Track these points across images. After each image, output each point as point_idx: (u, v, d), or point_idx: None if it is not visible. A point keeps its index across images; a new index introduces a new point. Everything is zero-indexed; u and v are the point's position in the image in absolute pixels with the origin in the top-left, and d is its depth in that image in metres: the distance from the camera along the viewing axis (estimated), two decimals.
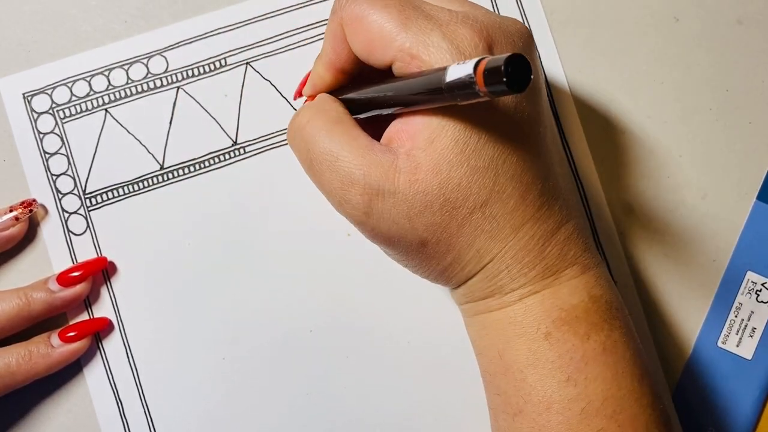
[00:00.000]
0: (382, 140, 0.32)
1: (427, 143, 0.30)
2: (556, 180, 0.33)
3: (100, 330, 0.40)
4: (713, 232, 0.42)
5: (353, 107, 0.34)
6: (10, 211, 0.40)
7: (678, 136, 0.42)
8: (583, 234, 0.33)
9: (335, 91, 0.35)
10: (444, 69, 0.28)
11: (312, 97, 0.36)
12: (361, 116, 0.34)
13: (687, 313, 0.41)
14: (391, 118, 0.33)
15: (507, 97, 0.30)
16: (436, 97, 0.28)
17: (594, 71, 0.42)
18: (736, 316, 0.41)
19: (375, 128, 0.33)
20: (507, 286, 0.32)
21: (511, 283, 0.32)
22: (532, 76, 0.25)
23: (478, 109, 0.30)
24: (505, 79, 0.25)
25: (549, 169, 0.32)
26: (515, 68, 0.25)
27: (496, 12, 0.42)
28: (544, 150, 0.32)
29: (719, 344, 0.41)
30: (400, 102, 0.31)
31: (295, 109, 0.42)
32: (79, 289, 0.39)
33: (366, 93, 0.33)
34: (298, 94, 0.38)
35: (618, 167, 0.42)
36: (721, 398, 0.40)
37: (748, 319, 0.41)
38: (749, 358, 0.40)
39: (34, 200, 0.40)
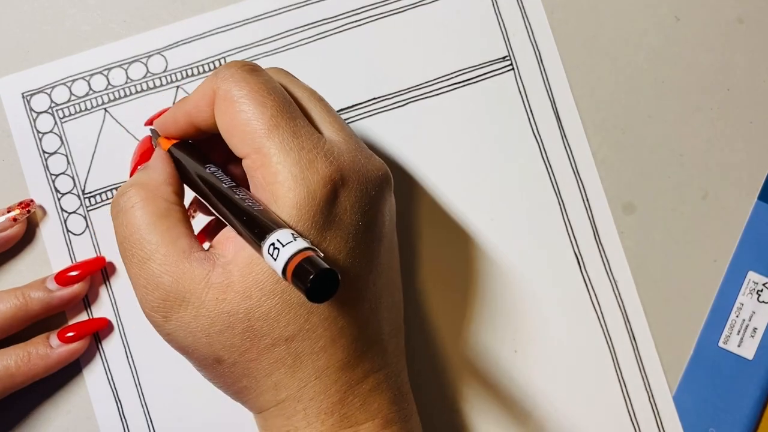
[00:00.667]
0: (213, 241, 0.31)
1: (245, 264, 0.29)
2: (378, 326, 0.32)
3: (99, 330, 0.40)
4: (714, 232, 0.42)
5: (188, 180, 0.33)
6: (8, 211, 0.40)
7: (679, 136, 0.42)
8: (395, 383, 0.32)
9: (181, 146, 0.34)
10: (272, 228, 0.27)
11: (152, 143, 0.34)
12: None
13: (688, 313, 0.41)
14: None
15: (340, 238, 0.29)
16: (252, 239, 0.28)
17: (594, 71, 0.42)
18: (737, 317, 0.41)
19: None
20: (303, 430, 0.30)
21: (307, 427, 0.30)
22: (334, 294, 0.25)
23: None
24: (306, 291, 0.25)
25: (371, 315, 0.31)
26: (323, 281, 0.25)
27: (497, 12, 0.42)
28: (369, 296, 0.31)
29: (720, 344, 0.40)
30: (228, 212, 0.30)
31: None
32: (77, 288, 0.39)
33: (219, 176, 0.31)
34: (149, 122, 0.37)
35: (618, 167, 0.42)
36: (722, 399, 0.40)
37: (750, 320, 0.40)
38: (750, 358, 0.40)
39: (32, 201, 0.40)
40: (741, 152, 0.42)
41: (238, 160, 0.31)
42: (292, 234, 0.27)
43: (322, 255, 0.27)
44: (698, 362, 0.40)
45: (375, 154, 0.33)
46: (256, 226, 0.28)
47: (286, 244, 0.26)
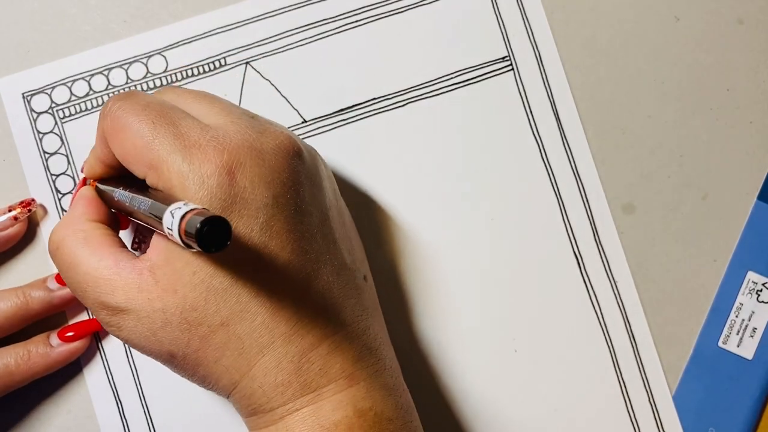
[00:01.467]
0: (148, 250, 0.32)
1: (164, 262, 0.30)
2: (324, 290, 0.32)
3: (100, 330, 0.40)
4: (714, 232, 0.42)
5: (112, 205, 0.35)
6: (9, 210, 0.40)
7: (678, 136, 0.42)
8: (358, 341, 0.33)
9: (108, 180, 0.35)
10: (168, 203, 0.28)
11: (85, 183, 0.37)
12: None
13: (687, 313, 0.41)
14: None
15: (248, 216, 0.30)
16: (161, 229, 0.29)
17: (594, 71, 0.42)
18: (736, 317, 0.41)
19: None
20: (266, 405, 0.31)
21: (269, 403, 0.31)
22: (229, 242, 0.26)
23: None
24: (198, 242, 0.26)
25: (312, 280, 0.32)
26: (213, 229, 0.26)
27: (497, 12, 0.42)
28: (305, 262, 0.31)
29: (720, 344, 0.40)
30: (143, 220, 0.31)
31: (296, 109, 0.42)
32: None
33: (120, 196, 0.33)
34: (82, 169, 0.38)
35: (618, 167, 0.42)
36: (722, 398, 0.40)
37: (749, 320, 0.41)
38: (750, 358, 0.40)
39: (33, 200, 0.40)
40: (741, 152, 0.42)
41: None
42: (182, 204, 0.27)
43: (210, 211, 0.27)
44: (698, 362, 0.40)
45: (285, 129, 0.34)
46: (156, 212, 0.29)
47: (173, 215, 0.27)
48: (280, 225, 0.31)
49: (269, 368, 0.31)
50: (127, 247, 0.33)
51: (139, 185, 0.33)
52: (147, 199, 0.31)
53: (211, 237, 0.26)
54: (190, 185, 0.30)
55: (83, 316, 0.40)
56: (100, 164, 0.35)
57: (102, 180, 0.36)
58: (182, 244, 0.27)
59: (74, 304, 0.40)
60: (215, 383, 0.32)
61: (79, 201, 0.35)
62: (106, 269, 0.31)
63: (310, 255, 0.32)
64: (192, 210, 0.27)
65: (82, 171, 0.38)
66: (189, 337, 0.31)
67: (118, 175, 0.35)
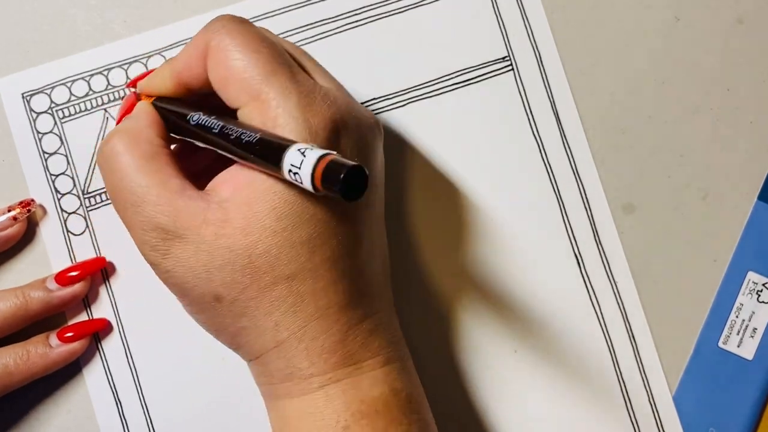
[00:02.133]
0: (207, 187, 0.31)
1: (244, 202, 0.29)
2: (374, 272, 0.33)
3: (99, 330, 0.40)
4: (714, 232, 0.42)
5: (179, 128, 0.32)
6: (9, 210, 0.40)
7: (679, 136, 0.42)
8: (391, 327, 0.33)
9: (168, 100, 0.33)
10: (287, 145, 0.27)
11: (137, 98, 0.34)
12: (188, 140, 0.32)
13: (688, 313, 0.41)
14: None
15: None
16: (269, 166, 0.27)
17: (594, 71, 0.42)
18: (737, 317, 0.41)
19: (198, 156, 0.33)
20: (306, 370, 0.31)
21: (310, 367, 0.31)
22: (366, 192, 0.25)
23: None
24: (340, 188, 0.25)
25: (368, 261, 0.32)
26: (354, 178, 0.25)
27: (497, 12, 0.42)
28: (367, 243, 0.32)
29: (720, 345, 0.40)
30: (230, 149, 0.30)
31: None
32: (77, 288, 0.39)
33: (203, 121, 0.31)
34: (133, 84, 0.36)
35: (618, 167, 0.42)
36: (722, 399, 0.40)
37: (749, 320, 0.40)
38: (750, 358, 0.40)
39: (33, 200, 0.40)
40: (741, 152, 0.42)
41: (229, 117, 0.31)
42: (306, 146, 0.26)
43: (348, 161, 0.26)
44: (698, 362, 0.40)
45: None
46: (268, 151, 0.27)
47: (305, 155, 0.26)
48: (366, 198, 0.31)
49: (319, 332, 0.30)
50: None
51: (208, 112, 0.31)
52: (255, 130, 0.29)
53: (352, 185, 0.25)
54: (300, 131, 0.29)
55: (83, 317, 0.40)
56: (175, 82, 0.33)
57: (160, 99, 0.33)
58: (310, 187, 0.26)
59: (73, 305, 0.40)
60: (254, 338, 0.31)
61: (142, 114, 0.33)
62: (172, 191, 0.30)
63: (373, 237, 0.32)
64: (328, 154, 0.26)
65: (129, 86, 0.36)
66: (248, 283, 0.30)
67: (185, 97, 0.33)
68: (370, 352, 0.32)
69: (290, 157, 0.26)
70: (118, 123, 0.36)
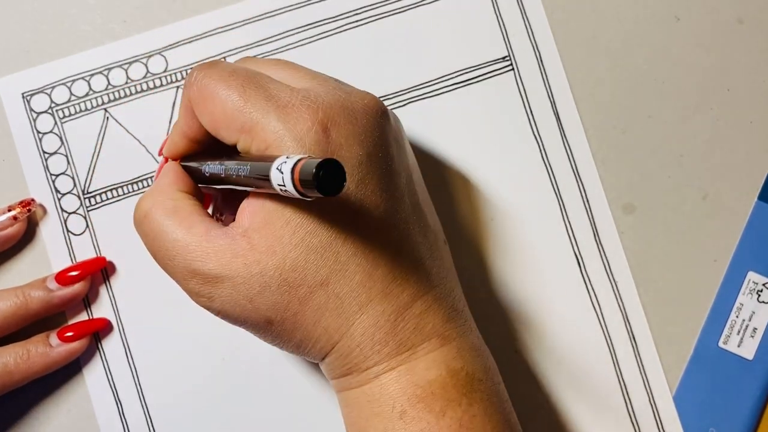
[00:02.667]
0: (236, 217, 0.32)
1: (262, 224, 0.30)
2: (415, 250, 0.32)
3: (99, 330, 0.40)
4: (714, 232, 0.42)
5: (200, 179, 0.34)
6: (9, 210, 0.40)
7: (679, 136, 0.42)
8: (447, 302, 0.33)
9: (190, 156, 0.35)
10: (271, 161, 0.28)
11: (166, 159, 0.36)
12: (215, 186, 0.34)
13: (688, 313, 0.41)
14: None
15: (347, 174, 0.30)
16: (266, 184, 0.28)
17: (594, 71, 0.42)
18: (737, 317, 0.41)
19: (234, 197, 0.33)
20: (362, 364, 0.32)
21: (365, 361, 0.31)
22: (345, 183, 0.26)
23: None
24: (317, 185, 0.26)
25: (404, 240, 0.32)
26: (328, 173, 0.26)
27: (497, 12, 0.42)
28: (396, 222, 0.32)
29: (720, 344, 0.40)
30: (238, 183, 0.31)
31: None
32: (77, 288, 0.39)
33: (211, 168, 0.33)
34: (160, 152, 0.38)
35: (618, 167, 0.42)
36: (722, 399, 0.40)
37: (749, 320, 0.40)
38: (750, 358, 0.40)
39: (33, 200, 0.40)
40: (741, 152, 0.42)
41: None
42: (286, 157, 0.27)
43: (317, 156, 0.27)
44: (698, 362, 0.40)
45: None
46: (260, 177, 0.29)
47: (282, 170, 0.27)
48: (374, 184, 0.31)
49: (367, 327, 0.31)
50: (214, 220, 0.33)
51: (226, 156, 0.32)
52: (246, 162, 0.30)
53: (328, 179, 0.26)
54: (288, 142, 0.30)
55: (83, 316, 0.40)
56: (184, 139, 0.34)
57: (185, 158, 0.35)
58: (297, 195, 0.27)
59: (73, 305, 0.40)
60: (312, 346, 0.32)
61: (166, 172, 0.35)
62: (198, 236, 0.31)
63: (401, 215, 0.32)
64: (300, 159, 0.27)
65: (160, 154, 0.38)
66: (288, 300, 0.31)
67: (201, 150, 0.35)
68: (423, 335, 0.32)
69: (275, 178, 0.27)
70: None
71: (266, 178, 0.28)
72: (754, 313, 0.41)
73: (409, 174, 0.34)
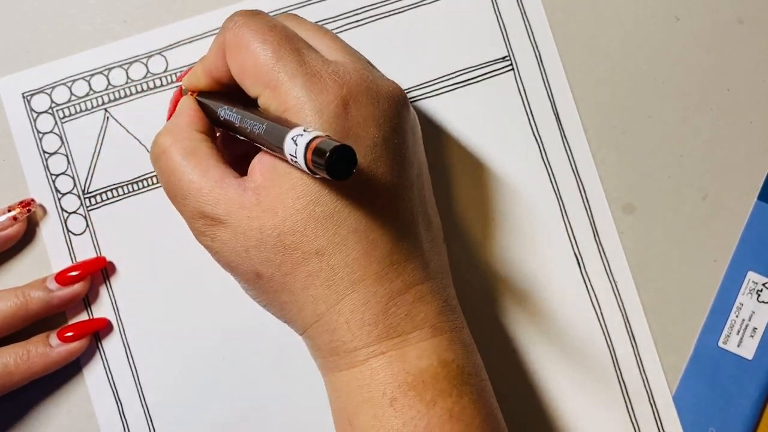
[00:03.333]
0: (249, 170, 0.33)
1: (270, 184, 0.31)
2: (416, 240, 0.33)
3: (99, 330, 0.40)
4: (714, 232, 0.42)
5: (215, 121, 0.35)
6: (9, 210, 0.40)
7: (679, 136, 0.42)
8: (441, 296, 0.33)
9: (207, 93, 0.36)
10: (288, 128, 0.29)
11: (181, 93, 0.37)
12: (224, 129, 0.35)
13: (688, 313, 0.41)
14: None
15: (357, 152, 0.30)
16: (278, 149, 0.29)
17: (594, 71, 0.42)
18: (737, 317, 0.41)
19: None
20: (350, 343, 0.31)
21: (353, 341, 0.31)
22: (355, 169, 0.27)
23: None
24: (326, 168, 0.26)
25: (406, 228, 0.32)
26: (341, 156, 0.27)
27: (497, 12, 0.42)
28: (402, 210, 0.32)
29: (720, 344, 0.40)
30: (250, 137, 0.32)
31: None
32: (77, 288, 0.39)
33: (227, 114, 0.34)
34: (180, 79, 0.38)
35: (618, 167, 0.42)
36: (722, 398, 0.40)
37: (749, 320, 0.40)
38: (750, 358, 0.40)
39: (33, 200, 0.40)
40: (741, 152, 0.42)
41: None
42: (303, 129, 0.28)
43: (333, 139, 0.28)
44: (698, 362, 0.40)
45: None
46: (273, 141, 0.30)
47: (297, 143, 0.28)
48: (386, 167, 0.31)
49: (357, 305, 0.31)
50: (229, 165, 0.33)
51: (242, 104, 0.33)
52: (263, 120, 0.31)
53: (339, 164, 0.27)
54: (307, 111, 0.30)
55: (83, 316, 0.40)
56: (207, 76, 0.35)
57: (202, 93, 0.36)
58: (307, 170, 0.27)
59: (73, 305, 0.40)
60: (297, 312, 0.32)
61: (184, 110, 0.35)
62: (212, 181, 0.32)
63: (408, 203, 0.32)
64: (317, 137, 0.27)
65: (177, 80, 0.38)
66: (281, 260, 0.31)
67: (221, 90, 0.35)
68: (416, 323, 0.32)
69: (288, 147, 0.28)
70: (168, 118, 0.38)
71: (279, 144, 0.29)
72: (753, 312, 0.41)
73: (422, 166, 0.34)
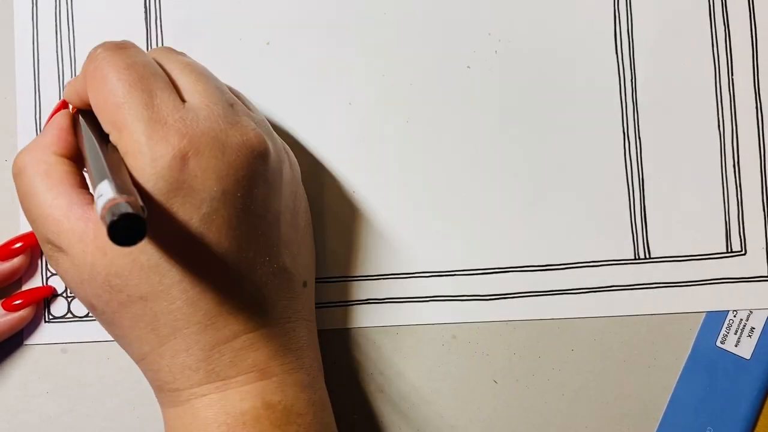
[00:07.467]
0: None
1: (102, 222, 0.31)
2: (255, 289, 0.33)
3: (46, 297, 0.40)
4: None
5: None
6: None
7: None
8: (277, 341, 0.33)
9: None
10: (102, 179, 0.28)
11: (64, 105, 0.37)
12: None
13: (686, 312, 0.41)
14: None
15: (190, 204, 0.30)
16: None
17: None
18: (734, 316, 0.41)
19: None
20: (171, 384, 0.32)
21: (174, 382, 0.32)
22: (140, 241, 0.26)
23: (152, 210, 0.30)
24: (108, 232, 0.26)
25: (242, 280, 0.32)
26: (125, 225, 0.26)
27: None
28: (237, 263, 0.32)
29: (718, 344, 0.40)
30: (88, 170, 0.32)
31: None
32: (16, 262, 0.40)
33: (85, 137, 0.33)
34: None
35: None
36: (720, 398, 0.40)
37: (747, 319, 0.40)
38: (748, 358, 0.40)
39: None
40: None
41: None
42: (111, 187, 0.28)
43: (140, 204, 0.27)
44: (696, 362, 0.40)
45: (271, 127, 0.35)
46: (93, 181, 0.29)
47: (99, 199, 0.28)
48: (222, 220, 0.31)
49: (178, 351, 0.32)
50: (88, 188, 0.33)
51: (102, 135, 0.33)
52: (100, 160, 0.31)
53: (124, 231, 0.26)
54: (142, 159, 0.30)
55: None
56: (78, 99, 0.35)
57: (84, 111, 0.35)
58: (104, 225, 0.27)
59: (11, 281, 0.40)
60: (126, 346, 0.33)
61: (50, 129, 0.35)
62: (58, 209, 0.32)
63: (248, 254, 0.32)
64: (113, 200, 0.27)
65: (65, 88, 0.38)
66: (109, 298, 0.32)
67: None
68: (240, 368, 0.32)
69: (97, 202, 0.28)
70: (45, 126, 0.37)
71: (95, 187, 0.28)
72: (751, 312, 0.41)
73: (276, 215, 0.34)
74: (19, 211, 0.40)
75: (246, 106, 0.35)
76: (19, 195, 0.34)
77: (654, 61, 0.41)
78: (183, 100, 0.32)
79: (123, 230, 0.26)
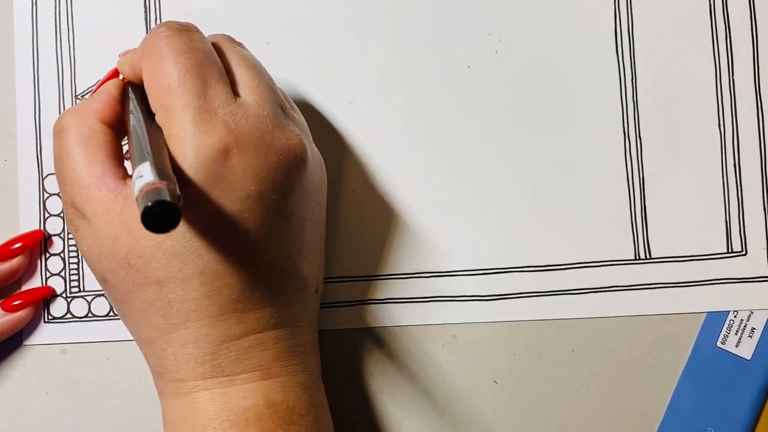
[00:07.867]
0: None
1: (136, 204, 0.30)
2: (271, 292, 0.32)
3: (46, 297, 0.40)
4: None
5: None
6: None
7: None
8: (286, 344, 0.33)
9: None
10: (144, 161, 0.28)
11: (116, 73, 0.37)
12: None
13: (686, 313, 0.41)
14: None
15: (226, 199, 0.30)
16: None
17: None
18: (735, 316, 0.40)
19: None
20: (174, 373, 0.32)
21: (178, 371, 0.32)
22: (172, 229, 0.26)
23: (188, 198, 0.30)
24: (141, 216, 0.26)
25: (262, 280, 0.32)
26: (159, 212, 0.26)
27: None
28: (258, 263, 0.32)
29: (718, 344, 0.40)
30: (128, 148, 0.31)
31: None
32: (16, 262, 0.40)
33: (132, 112, 0.33)
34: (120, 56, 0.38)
35: None
36: (720, 398, 0.40)
37: (747, 320, 0.40)
38: (748, 358, 0.40)
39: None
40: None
41: None
42: (151, 169, 0.27)
43: (177, 193, 0.27)
44: (696, 362, 0.40)
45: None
46: (135, 159, 0.29)
47: (138, 180, 0.27)
48: (254, 220, 0.31)
49: (187, 341, 0.32)
50: (124, 161, 0.33)
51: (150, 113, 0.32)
52: (144, 133, 0.30)
53: (157, 218, 0.26)
54: (187, 146, 0.30)
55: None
56: (130, 70, 0.35)
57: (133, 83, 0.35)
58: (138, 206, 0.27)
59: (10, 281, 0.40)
60: (133, 327, 0.33)
61: (99, 95, 0.35)
62: (91, 176, 0.32)
63: (271, 256, 0.32)
64: (152, 184, 0.26)
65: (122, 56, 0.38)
66: (124, 276, 0.31)
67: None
68: (245, 366, 0.32)
69: (135, 180, 0.28)
70: (95, 90, 0.37)
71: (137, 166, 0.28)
72: (752, 313, 0.40)
73: (303, 222, 0.34)
74: (19, 211, 0.40)
75: (291, 108, 0.35)
76: (54, 154, 0.33)
77: (654, 60, 0.41)
78: (235, 94, 0.32)
79: (157, 217, 0.26)
